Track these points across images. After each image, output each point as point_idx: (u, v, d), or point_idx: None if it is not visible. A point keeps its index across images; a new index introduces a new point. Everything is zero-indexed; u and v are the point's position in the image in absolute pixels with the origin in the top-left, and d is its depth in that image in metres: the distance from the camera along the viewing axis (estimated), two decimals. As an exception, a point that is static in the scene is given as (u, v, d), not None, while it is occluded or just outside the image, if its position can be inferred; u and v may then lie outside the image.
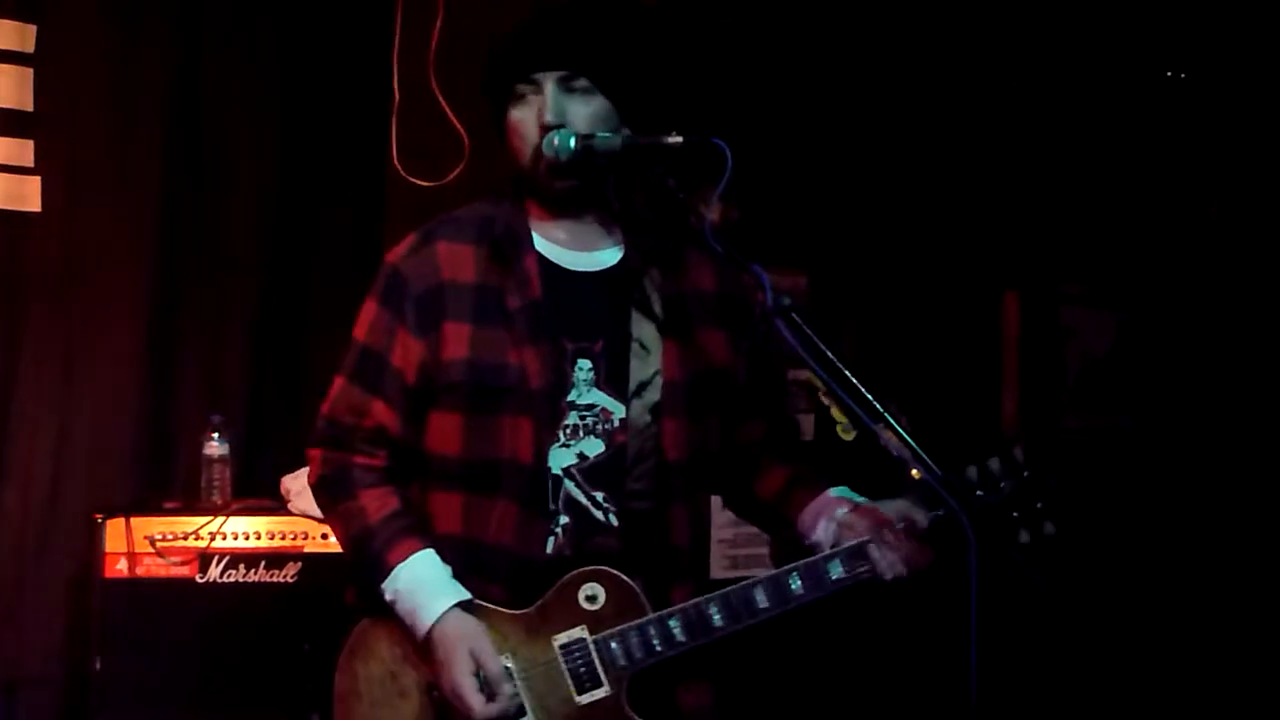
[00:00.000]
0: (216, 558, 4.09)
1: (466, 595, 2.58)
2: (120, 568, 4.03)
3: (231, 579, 4.10)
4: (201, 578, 4.08)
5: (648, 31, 2.77)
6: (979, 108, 5.47)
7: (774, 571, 2.60)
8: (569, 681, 2.58)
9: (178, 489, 4.44)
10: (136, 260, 4.50)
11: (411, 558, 2.59)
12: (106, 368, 4.44)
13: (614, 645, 2.57)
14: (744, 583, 2.59)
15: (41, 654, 4.30)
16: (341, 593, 2.76)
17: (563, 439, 2.63)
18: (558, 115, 2.58)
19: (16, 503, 4.32)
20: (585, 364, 2.65)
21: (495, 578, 2.60)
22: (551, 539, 2.61)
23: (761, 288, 2.42)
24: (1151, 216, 5.80)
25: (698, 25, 4.94)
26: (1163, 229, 5.83)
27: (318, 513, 3.73)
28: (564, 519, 2.62)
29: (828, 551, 2.63)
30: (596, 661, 2.57)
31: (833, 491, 2.74)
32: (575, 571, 2.59)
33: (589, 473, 2.64)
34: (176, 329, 4.57)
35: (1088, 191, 5.68)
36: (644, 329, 2.69)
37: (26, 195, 4.33)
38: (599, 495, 2.64)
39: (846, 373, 2.41)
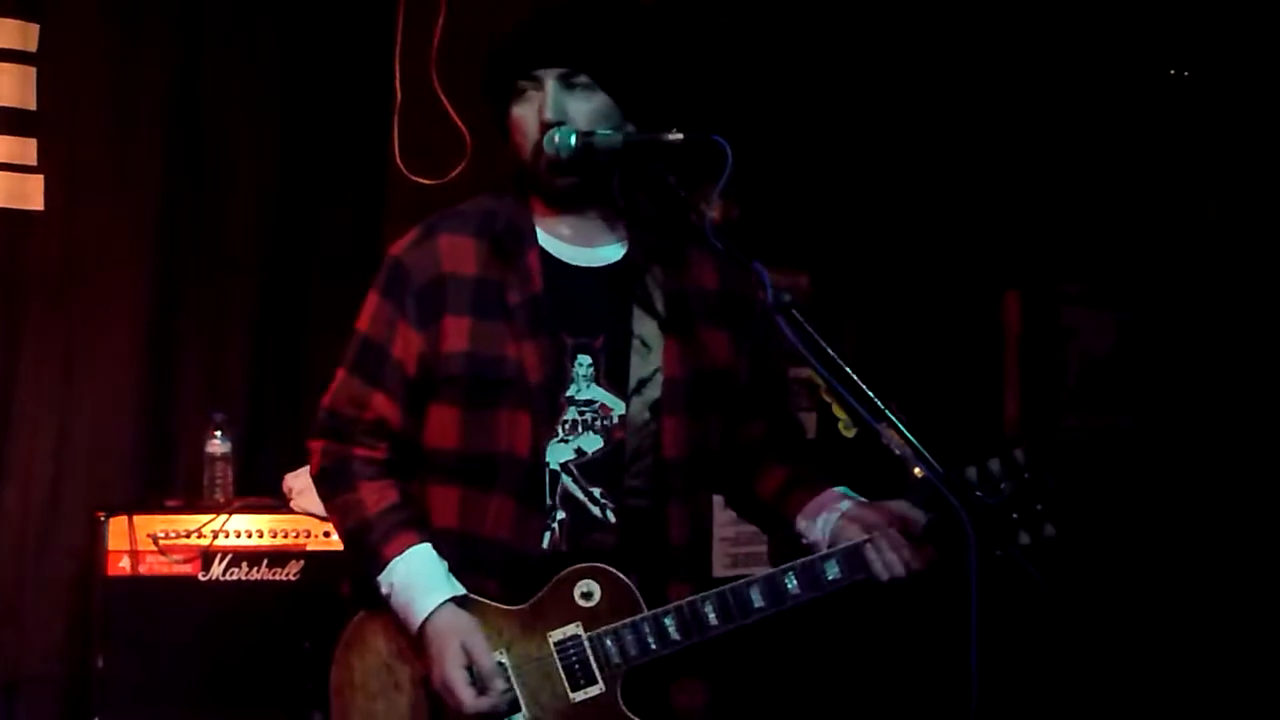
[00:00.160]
0: (219, 556, 4.10)
1: (461, 590, 2.58)
2: (123, 566, 4.03)
3: (234, 577, 4.11)
4: (204, 576, 4.08)
5: (648, 29, 2.77)
6: (980, 107, 5.47)
7: (770, 571, 2.60)
8: (563, 678, 2.58)
9: (180, 487, 4.44)
10: (138, 259, 4.50)
11: (408, 551, 2.59)
12: (108, 366, 4.45)
13: (609, 642, 2.57)
14: (739, 581, 2.59)
15: (43, 652, 4.30)
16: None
17: (561, 434, 2.63)
18: (558, 112, 2.58)
19: (18, 501, 4.33)
20: (585, 359, 2.66)
21: (491, 572, 2.61)
22: (548, 534, 2.62)
23: (762, 285, 2.42)
24: (1152, 216, 5.80)
25: (699, 24, 4.94)
26: (1163, 229, 5.82)
27: (320, 511, 3.76)
28: (561, 514, 2.63)
29: (824, 551, 2.63)
30: (591, 659, 2.58)
31: (831, 491, 2.74)
32: (571, 568, 2.59)
33: (587, 468, 2.64)
34: (178, 327, 4.58)
35: (1089, 191, 5.68)
36: (645, 326, 2.69)
37: (29, 194, 4.34)
38: (596, 491, 2.64)
39: (847, 370, 2.41)
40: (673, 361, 2.69)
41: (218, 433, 4.32)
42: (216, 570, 4.09)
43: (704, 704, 2.73)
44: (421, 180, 4.53)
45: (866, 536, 2.59)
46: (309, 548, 4.15)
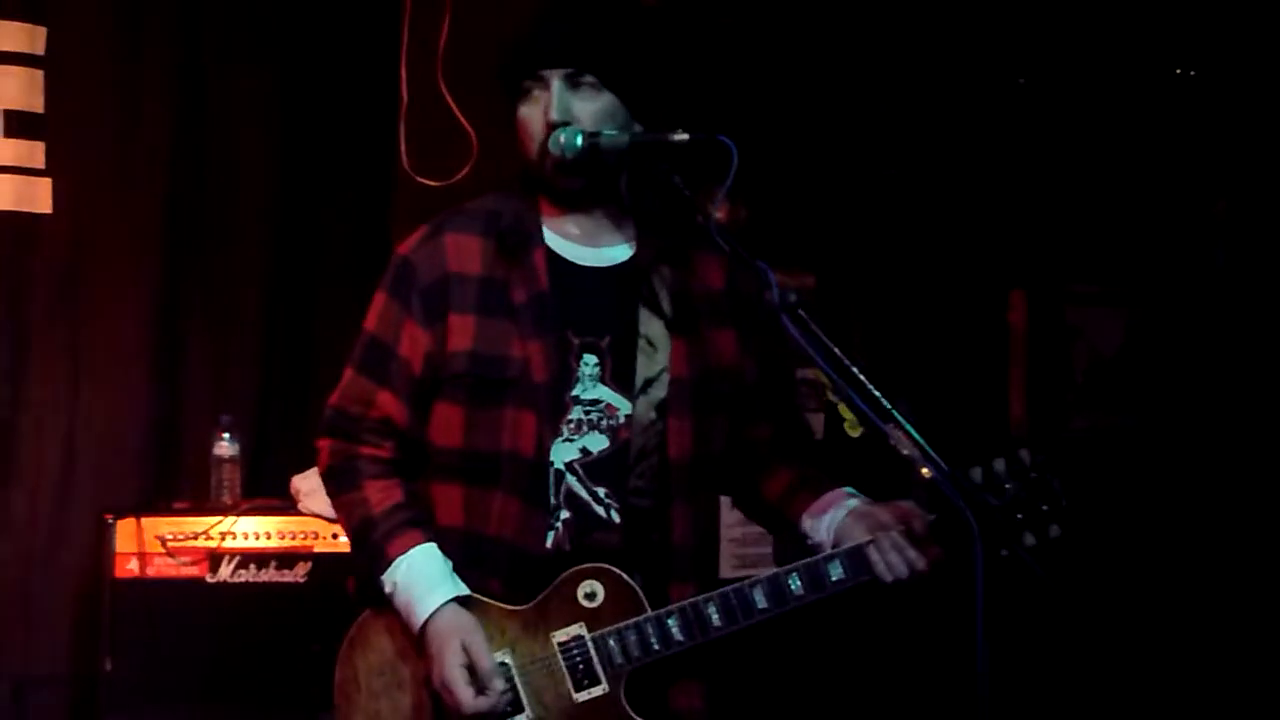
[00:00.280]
0: (227, 558, 4.10)
1: (464, 590, 2.59)
2: (130, 568, 4.04)
3: (242, 579, 4.11)
4: (212, 578, 4.09)
5: (654, 29, 2.77)
6: (986, 106, 5.47)
7: (773, 571, 2.60)
8: (567, 678, 2.58)
9: (187, 489, 4.45)
10: (145, 261, 4.51)
11: (412, 550, 2.59)
12: (115, 368, 4.45)
13: (612, 643, 2.57)
14: (743, 582, 2.59)
15: (51, 654, 4.31)
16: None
17: (566, 433, 2.63)
18: (563, 112, 2.58)
19: (26, 503, 4.33)
20: (591, 359, 2.66)
21: (495, 571, 2.61)
22: (551, 534, 2.62)
23: (768, 285, 2.42)
24: (1159, 215, 5.79)
25: (706, 24, 4.94)
26: (1170, 227, 5.82)
27: (328, 512, 3.76)
28: (564, 514, 2.63)
29: (828, 552, 2.63)
30: (594, 659, 2.58)
31: (836, 492, 2.74)
32: (574, 568, 2.59)
33: (591, 468, 2.64)
34: (185, 330, 4.58)
35: (1095, 190, 5.68)
36: (652, 326, 2.69)
37: (36, 197, 4.34)
38: (601, 491, 2.64)
39: (854, 370, 2.41)
40: (679, 362, 2.69)
41: (225, 435, 4.32)
42: (224, 572, 4.10)
43: (702, 706, 2.73)
44: (428, 182, 4.53)
45: (870, 537, 2.59)
46: (317, 549, 4.15)
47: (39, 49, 4.33)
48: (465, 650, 2.53)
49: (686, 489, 2.68)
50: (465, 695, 2.51)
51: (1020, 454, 2.60)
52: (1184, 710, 5.12)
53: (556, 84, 2.59)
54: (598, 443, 2.65)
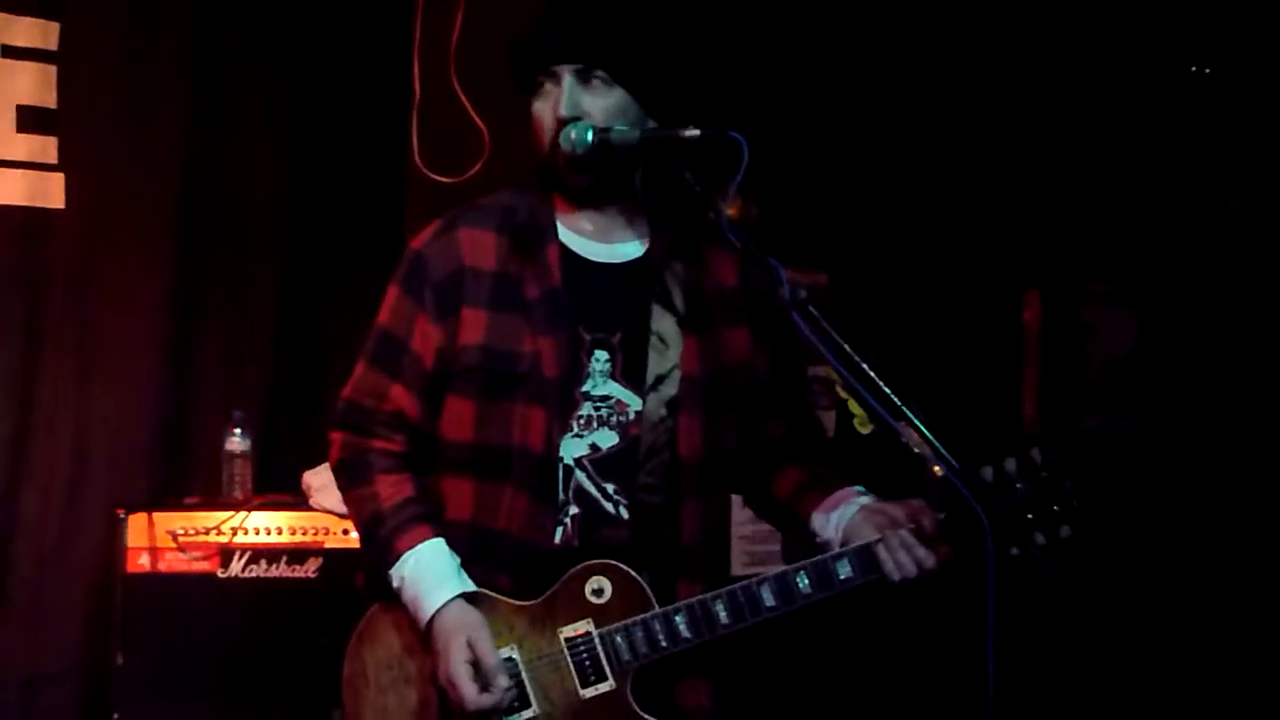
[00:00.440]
0: (238, 553, 4.11)
1: (471, 586, 2.59)
2: (142, 563, 4.04)
3: (253, 574, 4.12)
4: (223, 573, 4.10)
5: (666, 24, 2.76)
6: (1000, 104, 5.46)
7: (781, 570, 2.60)
8: (574, 674, 2.58)
9: (199, 484, 4.45)
10: (157, 257, 4.52)
11: (420, 546, 2.59)
12: (127, 364, 4.46)
13: (619, 640, 2.57)
14: (750, 580, 2.59)
15: (63, 649, 4.32)
16: (363, 588, 2.78)
17: (576, 429, 2.63)
18: (572, 108, 2.58)
19: (38, 498, 4.34)
20: (602, 355, 2.66)
21: (503, 566, 2.61)
22: (560, 529, 2.62)
23: (779, 281, 2.42)
24: (1173, 213, 5.77)
25: (718, 20, 4.93)
26: (1185, 226, 5.80)
27: (339, 508, 3.77)
28: (573, 510, 2.63)
29: (836, 551, 2.62)
30: (601, 655, 2.58)
31: (845, 490, 2.73)
32: (582, 564, 2.59)
33: (601, 464, 2.64)
34: (197, 325, 4.59)
35: (1109, 188, 5.66)
36: (664, 322, 2.69)
37: (50, 192, 4.35)
38: (610, 487, 2.64)
39: (865, 367, 2.40)
40: (691, 359, 2.69)
41: (237, 430, 4.33)
42: (235, 567, 4.10)
43: (710, 703, 2.72)
44: (440, 178, 4.53)
45: (879, 536, 2.59)
46: (328, 545, 4.16)
47: (52, 44, 4.34)
48: (470, 647, 2.53)
49: (696, 486, 2.68)
50: (469, 692, 2.51)
51: (1031, 453, 2.59)
52: (1193, 710, 5.10)
53: (567, 79, 2.59)
54: (608, 439, 2.64)
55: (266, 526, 4.14)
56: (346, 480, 2.73)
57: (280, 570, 4.13)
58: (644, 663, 2.57)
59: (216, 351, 4.62)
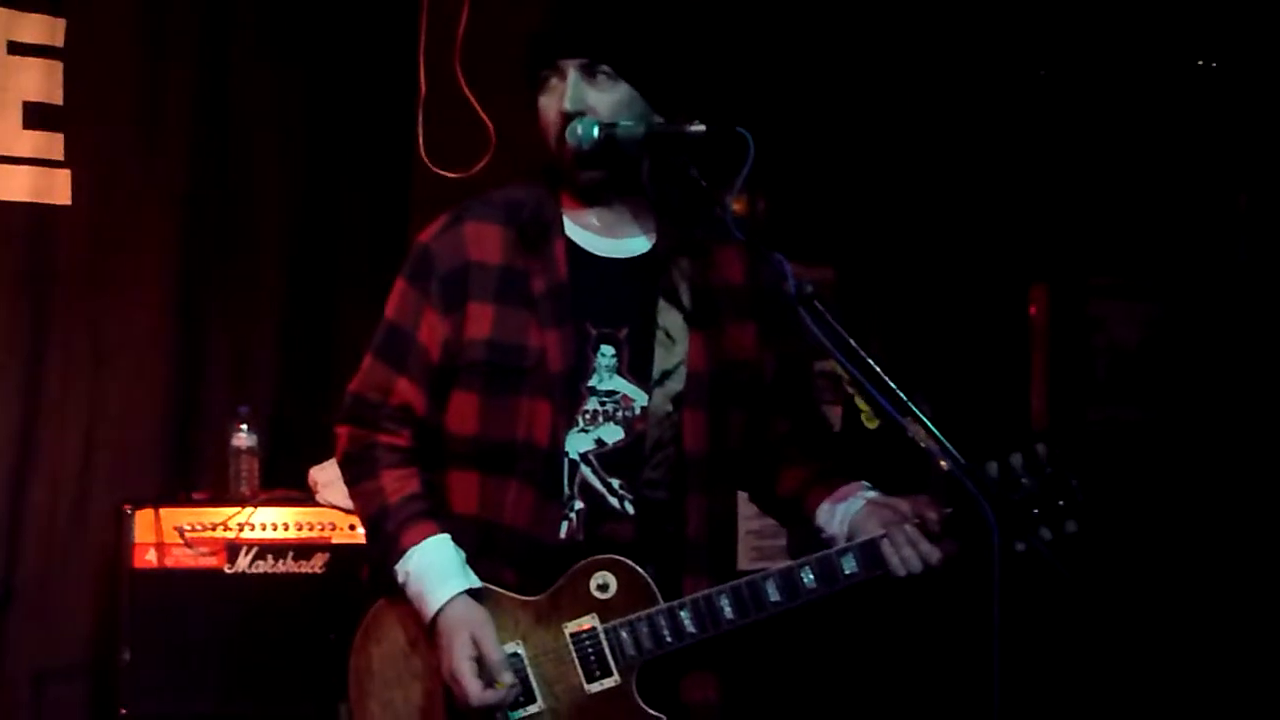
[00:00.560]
0: (245, 548, 4.11)
1: (476, 582, 2.59)
2: (149, 558, 4.05)
3: (259, 570, 4.12)
4: (230, 568, 4.10)
5: (672, 19, 2.76)
6: (1006, 98, 5.45)
7: (786, 565, 2.60)
8: (579, 670, 2.58)
9: (205, 480, 4.45)
10: (164, 253, 4.52)
11: (425, 541, 2.60)
12: (134, 360, 4.46)
13: (624, 634, 2.57)
14: (755, 575, 2.59)
15: (70, 644, 4.32)
16: (370, 584, 2.78)
17: (581, 424, 2.63)
18: (577, 103, 2.58)
19: (45, 494, 4.35)
20: (609, 350, 2.65)
21: (508, 560, 2.61)
22: (565, 524, 2.62)
23: (784, 276, 2.42)
24: (1180, 208, 5.77)
25: (725, 15, 4.93)
26: (1192, 220, 5.80)
27: (346, 504, 3.77)
28: (578, 504, 2.63)
29: (841, 546, 2.62)
30: (606, 651, 2.58)
31: (850, 486, 2.73)
32: (587, 559, 2.59)
33: (606, 459, 2.63)
34: (204, 321, 4.60)
35: (1116, 183, 5.66)
36: (670, 318, 2.69)
37: (56, 188, 4.35)
38: (615, 482, 2.64)
39: (870, 362, 2.40)
40: (697, 354, 2.69)
41: (244, 426, 4.33)
42: (242, 563, 4.10)
43: (715, 698, 2.72)
44: (446, 173, 4.53)
45: (884, 531, 2.58)
46: (334, 540, 4.16)
47: (59, 41, 4.35)
48: (475, 642, 2.53)
49: (702, 482, 2.67)
50: (474, 687, 2.51)
51: (1037, 449, 2.59)
52: (1199, 706, 5.10)
53: (572, 74, 2.59)
54: (613, 434, 2.64)
55: (273, 522, 4.14)
56: (352, 474, 2.74)
57: (287, 566, 4.13)
58: (649, 658, 2.57)
59: (223, 347, 4.63)
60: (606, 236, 2.71)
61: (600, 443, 2.64)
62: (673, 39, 2.73)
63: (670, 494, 2.64)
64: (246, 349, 4.67)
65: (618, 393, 2.65)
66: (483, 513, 2.63)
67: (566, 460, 2.61)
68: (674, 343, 2.68)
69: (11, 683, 4.24)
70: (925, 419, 2.37)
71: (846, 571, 2.59)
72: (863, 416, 4.28)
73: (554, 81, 2.62)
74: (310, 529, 4.16)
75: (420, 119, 4.61)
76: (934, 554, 2.57)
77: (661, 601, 2.58)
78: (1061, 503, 2.56)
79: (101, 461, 4.40)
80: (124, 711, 4.00)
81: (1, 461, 4.30)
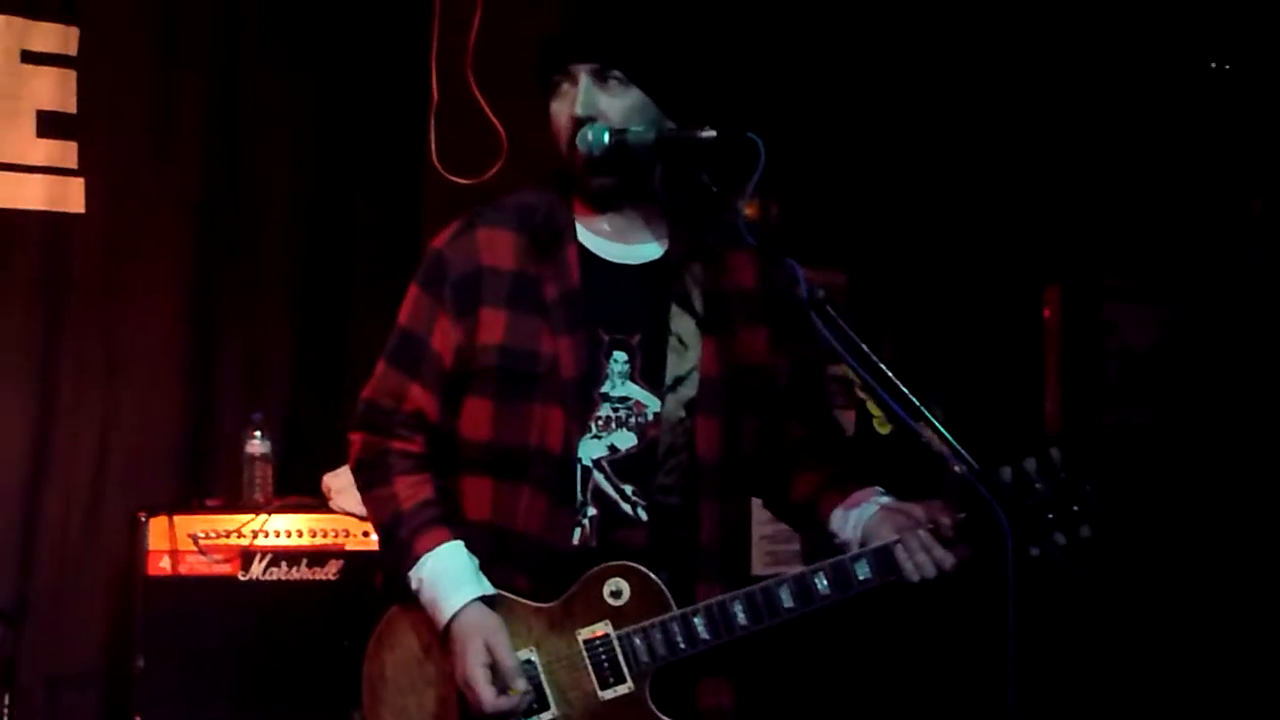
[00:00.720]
0: (258, 555, 4.12)
1: (489, 589, 2.58)
2: (163, 565, 4.06)
3: (273, 577, 4.13)
4: (244, 575, 4.11)
5: (683, 24, 2.76)
6: (1020, 101, 5.44)
7: (800, 570, 2.59)
8: (592, 676, 2.58)
9: (219, 487, 4.47)
10: (177, 260, 4.54)
11: (439, 548, 2.59)
12: (148, 367, 4.48)
13: (637, 641, 2.57)
14: (769, 581, 2.58)
15: (84, 651, 4.34)
16: (383, 591, 2.78)
17: (594, 430, 2.62)
18: (588, 108, 2.57)
19: (59, 501, 4.36)
20: (621, 356, 2.65)
21: (521, 566, 2.61)
22: (578, 530, 2.61)
23: (795, 281, 2.41)
24: (1195, 210, 5.76)
25: (736, 20, 4.93)
26: (1206, 222, 5.78)
27: (359, 510, 3.77)
28: (591, 511, 2.62)
29: (855, 552, 2.61)
30: (620, 657, 2.57)
31: (864, 491, 2.72)
32: (600, 566, 2.59)
33: (619, 465, 2.63)
34: (218, 328, 4.61)
35: (1130, 185, 5.65)
36: (683, 324, 2.68)
37: (70, 197, 4.38)
38: (628, 489, 2.63)
39: (882, 366, 2.39)
40: (710, 360, 2.68)
41: (257, 433, 4.34)
42: (256, 570, 4.11)
43: (730, 704, 2.71)
44: (458, 179, 4.53)
45: (897, 536, 2.58)
46: (348, 547, 4.17)
47: (72, 49, 4.37)
48: (488, 649, 2.53)
49: (715, 488, 2.67)
50: (487, 695, 2.51)
51: (1051, 453, 2.58)
52: (1215, 710, 5.08)
53: (584, 79, 2.58)
54: (626, 440, 2.64)
55: (287, 529, 4.15)
56: (366, 481, 2.73)
57: (301, 573, 4.14)
58: (662, 664, 2.57)
59: (237, 354, 4.64)
60: (618, 242, 2.70)
61: (613, 449, 2.63)
62: (684, 44, 2.72)
63: (683, 500, 2.64)
64: (260, 355, 4.68)
65: (630, 399, 2.64)
66: (496, 519, 2.63)
67: (579, 466, 2.61)
68: (687, 348, 2.67)
69: (26, 689, 4.24)
70: (938, 423, 2.37)
71: (860, 577, 2.58)
72: (875, 421, 4.26)
73: (565, 87, 2.62)
74: (324, 536, 4.17)
75: (432, 125, 4.61)
76: (947, 559, 2.56)
77: (675, 608, 2.57)
78: (1076, 508, 2.55)
79: (115, 468, 4.42)
80: (138, 718, 4.00)
81: (16, 469, 4.32)
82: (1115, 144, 5.59)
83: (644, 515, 2.63)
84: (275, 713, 4.08)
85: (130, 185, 4.45)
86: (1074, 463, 2.56)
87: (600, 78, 2.59)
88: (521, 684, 2.53)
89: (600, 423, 2.63)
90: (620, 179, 2.63)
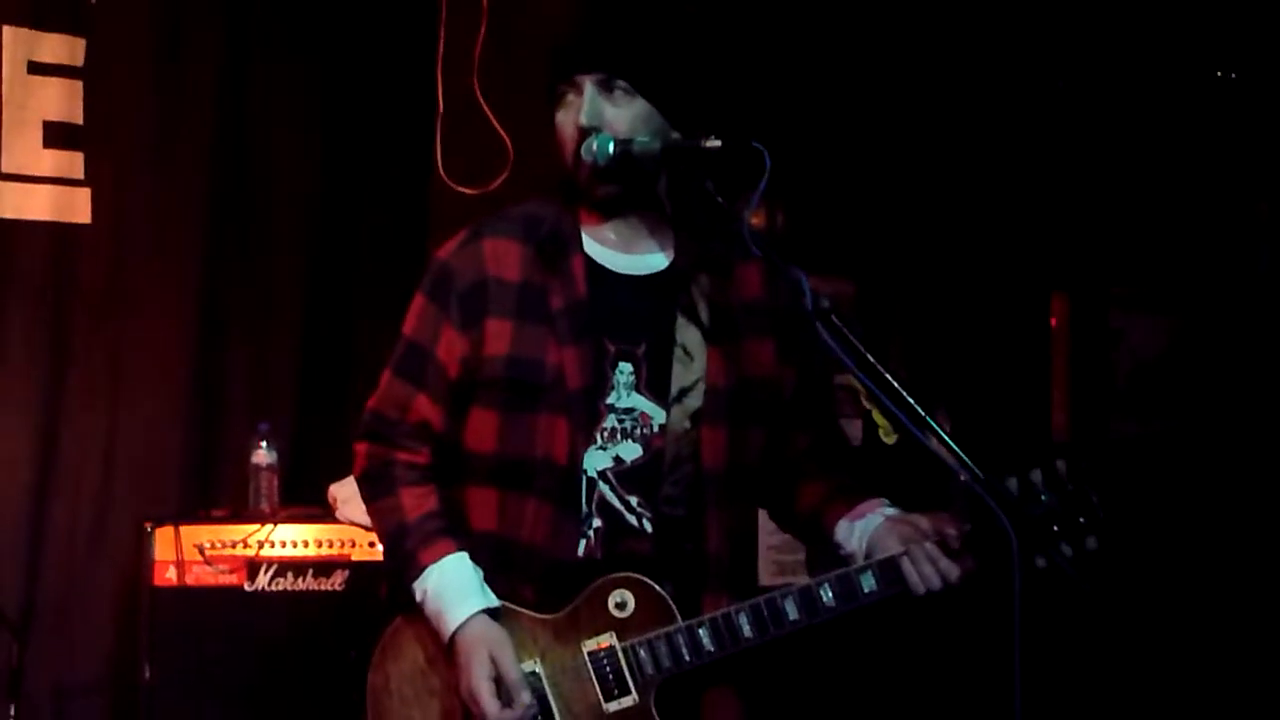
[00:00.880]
0: (264, 566, 4.11)
1: (494, 602, 2.58)
2: (169, 576, 4.05)
3: (279, 587, 4.12)
4: (250, 586, 4.10)
5: (689, 34, 2.75)
6: (1025, 109, 5.44)
7: (805, 582, 2.59)
8: (597, 688, 2.57)
9: (225, 497, 4.47)
10: (184, 271, 4.54)
11: (444, 559, 2.59)
12: (154, 377, 4.48)
13: (642, 653, 2.56)
14: (774, 593, 2.58)
15: (91, 662, 4.35)
16: (389, 601, 2.78)
17: (599, 441, 2.62)
18: (593, 117, 2.57)
19: (66, 511, 4.37)
20: (627, 367, 2.65)
21: (526, 577, 2.61)
22: (583, 541, 2.61)
23: (801, 291, 2.41)
24: (1201, 217, 5.75)
25: (742, 30, 4.93)
26: (1212, 229, 5.77)
27: (365, 521, 3.77)
28: (596, 521, 2.62)
29: (860, 564, 2.61)
30: (625, 669, 2.57)
31: (870, 502, 2.71)
32: (605, 577, 2.58)
33: (624, 476, 2.63)
34: (224, 339, 4.62)
35: (1136, 193, 5.64)
36: (689, 334, 2.68)
37: (76, 207, 4.38)
38: (633, 500, 2.63)
39: (888, 376, 2.39)
40: (716, 371, 2.68)
41: (263, 443, 4.34)
42: (262, 580, 4.11)
43: (736, 716, 2.71)
44: (464, 190, 4.54)
45: (903, 548, 2.57)
46: (354, 558, 4.16)
47: (78, 60, 4.37)
48: (493, 661, 2.53)
49: (720, 499, 2.66)
50: (491, 707, 2.51)
51: (1057, 464, 2.57)
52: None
53: (589, 89, 2.58)
54: (631, 451, 2.64)
55: (293, 539, 4.15)
56: (371, 492, 2.74)
57: (307, 583, 4.14)
58: (667, 676, 2.56)
59: (243, 365, 4.64)
60: (624, 252, 2.70)
61: (618, 460, 2.63)
62: (689, 54, 2.72)
63: (689, 511, 2.63)
64: (266, 366, 4.68)
65: (636, 410, 2.64)
66: (501, 530, 2.63)
67: (585, 477, 2.60)
68: (692, 359, 2.67)
69: (33, 700, 4.24)
70: (944, 433, 2.36)
71: (866, 589, 2.57)
72: (881, 431, 4.27)
73: (571, 97, 2.62)
74: (330, 546, 4.16)
75: (438, 136, 4.62)
76: (953, 571, 2.56)
77: (680, 619, 2.57)
78: (1082, 519, 2.54)
79: (121, 479, 4.42)
80: (144, 729, 4.01)
81: (22, 479, 4.32)
82: (1121, 152, 5.58)
83: (649, 526, 2.63)
84: (281, 723, 4.08)
85: (136, 196, 4.46)
86: (1081, 473, 2.55)
87: (606, 88, 2.59)
88: (526, 696, 2.53)
89: (606, 434, 2.62)
90: (626, 189, 2.63)
